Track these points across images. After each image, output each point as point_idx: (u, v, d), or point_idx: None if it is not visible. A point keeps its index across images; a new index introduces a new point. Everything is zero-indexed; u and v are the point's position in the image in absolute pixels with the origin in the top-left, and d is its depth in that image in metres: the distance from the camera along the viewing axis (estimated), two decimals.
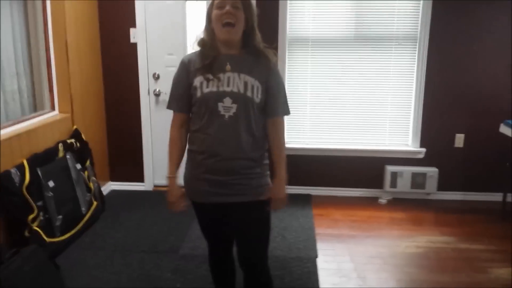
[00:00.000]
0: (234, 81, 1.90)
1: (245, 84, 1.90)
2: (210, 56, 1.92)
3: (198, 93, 1.91)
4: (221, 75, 1.90)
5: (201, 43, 1.99)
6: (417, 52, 4.11)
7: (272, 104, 1.98)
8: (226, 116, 1.89)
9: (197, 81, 1.92)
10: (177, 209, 2.06)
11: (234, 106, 1.89)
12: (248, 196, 1.97)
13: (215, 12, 1.89)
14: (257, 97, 1.92)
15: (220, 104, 1.88)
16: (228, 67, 1.91)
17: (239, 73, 1.91)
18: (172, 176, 2.03)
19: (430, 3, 3.98)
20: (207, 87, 1.89)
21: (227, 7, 1.86)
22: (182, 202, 2.06)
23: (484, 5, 3.96)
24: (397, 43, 4.13)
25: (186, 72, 1.97)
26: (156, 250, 3.28)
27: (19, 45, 3.47)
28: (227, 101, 1.89)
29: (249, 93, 1.90)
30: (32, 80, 3.64)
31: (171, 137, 2.04)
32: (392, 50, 4.15)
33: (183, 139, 2.04)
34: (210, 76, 1.89)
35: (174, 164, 2.03)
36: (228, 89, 1.89)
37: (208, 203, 2.01)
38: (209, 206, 2.02)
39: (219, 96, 1.88)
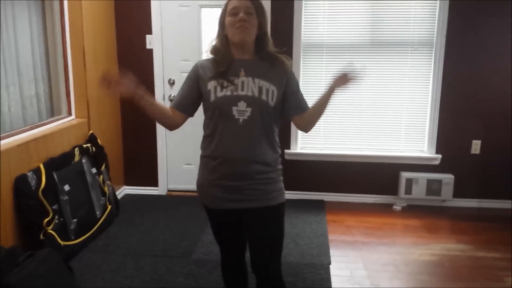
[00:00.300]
0: (248, 85, 1.91)
1: (260, 88, 1.92)
2: (225, 63, 1.93)
3: (212, 98, 1.91)
4: (235, 80, 1.91)
5: (214, 50, 2.00)
6: (433, 57, 4.08)
7: (297, 103, 2.03)
8: (241, 120, 1.89)
9: (211, 85, 1.92)
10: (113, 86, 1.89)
11: (249, 109, 1.89)
12: (263, 201, 1.97)
13: (228, 18, 1.91)
14: (272, 101, 1.93)
15: (234, 108, 1.89)
16: (242, 72, 1.92)
17: (254, 78, 1.92)
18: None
19: (446, 8, 3.95)
20: (221, 91, 1.90)
21: (241, 14, 1.88)
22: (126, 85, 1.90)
23: (501, 11, 3.91)
24: (413, 49, 4.11)
25: (196, 75, 1.99)
26: (169, 254, 3.29)
27: (37, 51, 3.54)
28: (242, 105, 1.89)
29: (264, 97, 1.91)
30: (49, 86, 3.71)
31: None
32: (408, 56, 4.13)
33: (170, 116, 2.01)
34: (225, 83, 1.91)
35: (153, 102, 1.96)
36: (242, 93, 1.90)
37: (223, 209, 2.00)
38: (223, 212, 2.02)
39: (233, 100, 1.89)
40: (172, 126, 2.05)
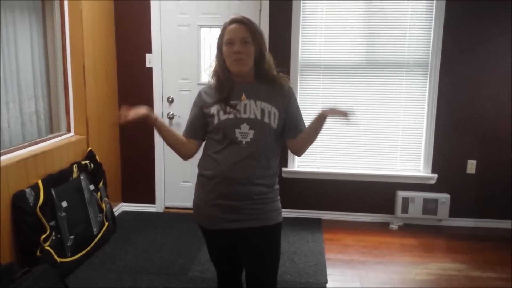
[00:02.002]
0: (251, 108, 1.95)
1: (262, 110, 1.95)
2: (225, 89, 1.96)
3: (215, 120, 1.95)
4: (238, 105, 1.94)
5: (215, 75, 2.02)
6: (428, 78, 4.14)
7: (297, 125, 2.06)
8: (244, 142, 1.92)
9: (214, 109, 1.96)
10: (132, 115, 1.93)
11: (251, 132, 1.92)
12: (261, 221, 1.97)
13: (225, 48, 1.94)
14: (274, 123, 1.96)
15: (237, 131, 1.92)
16: (243, 96, 1.96)
17: (256, 100, 1.96)
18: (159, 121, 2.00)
19: (441, 29, 4.02)
20: (224, 114, 1.94)
21: (236, 47, 1.91)
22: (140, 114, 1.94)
23: (495, 32, 3.99)
24: (408, 70, 4.17)
25: (200, 101, 2.04)
26: (165, 272, 3.29)
27: (38, 68, 3.59)
28: (244, 127, 1.92)
29: (266, 119, 1.94)
30: (49, 103, 3.74)
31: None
32: (403, 76, 4.19)
33: (185, 142, 2.06)
34: (228, 109, 1.94)
35: (169, 128, 2.04)
36: (245, 116, 1.93)
37: (219, 229, 1.99)
38: (220, 233, 2.01)
39: (236, 122, 1.92)
40: (187, 154, 2.08)
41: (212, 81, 2.05)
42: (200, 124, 2.04)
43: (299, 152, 2.11)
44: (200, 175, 2.04)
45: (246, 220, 1.96)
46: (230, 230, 1.98)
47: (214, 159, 1.96)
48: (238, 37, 1.91)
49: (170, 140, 2.03)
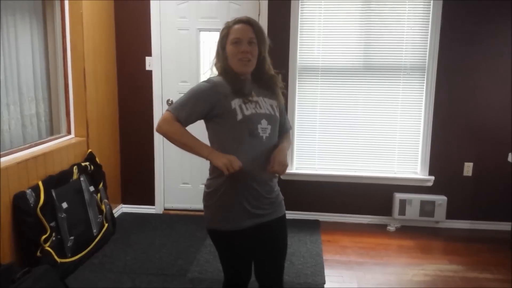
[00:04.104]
0: (263, 104, 2.00)
1: (271, 106, 2.03)
2: (239, 79, 1.97)
3: (239, 116, 1.91)
4: (253, 98, 1.99)
5: (222, 70, 2.01)
6: (425, 81, 4.18)
7: (283, 123, 2.14)
8: (264, 138, 1.96)
9: (235, 103, 1.92)
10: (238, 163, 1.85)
11: (269, 127, 1.98)
12: (280, 212, 2.10)
13: (230, 47, 1.95)
14: (277, 114, 2.05)
15: (259, 126, 1.95)
16: (253, 93, 2.00)
17: (263, 97, 2.02)
18: (212, 150, 1.91)
19: (438, 33, 4.07)
20: (247, 109, 1.94)
21: (244, 46, 1.93)
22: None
23: (492, 36, 4.04)
24: (405, 73, 4.21)
25: (215, 94, 1.93)
26: (164, 273, 3.31)
27: (39, 71, 3.62)
28: (264, 123, 1.97)
29: (277, 114, 2.04)
30: (50, 105, 3.77)
31: (177, 127, 1.91)
32: (400, 80, 4.23)
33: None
34: (251, 98, 1.96)
35: (202, 143, 1.92)
36: (262, 111, 1.98)
37: (249, 227, 1.98)
38: (247, 231, 1.99)
39: (259, 117, 1.96)
40: None
41: (215, 76, 2.04)
42: (197, 118, 1.96)
43: None
44: (218, 177, 1.95)
45: (272, 213, 2.05)
46: (251, 228, 1.99)
47: (240, 157, 1.87)
48: (245, 37, 1.93)
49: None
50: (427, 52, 4.14)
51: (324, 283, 3.21)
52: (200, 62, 4.35)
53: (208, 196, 2.02)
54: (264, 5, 4.16)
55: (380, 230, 4.27)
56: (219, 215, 1.99)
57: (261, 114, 1.96)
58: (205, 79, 2.03)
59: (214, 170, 1.97)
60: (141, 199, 4.56)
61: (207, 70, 2.13)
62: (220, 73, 2.02)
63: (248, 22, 1.97)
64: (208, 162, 1.97)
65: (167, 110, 1.95)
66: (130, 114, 4.45)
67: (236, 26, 1.96)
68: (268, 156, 1.95)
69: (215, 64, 2.05)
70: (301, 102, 4.32)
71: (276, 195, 2.09)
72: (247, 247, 2.05)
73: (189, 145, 1.91)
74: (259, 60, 2.01)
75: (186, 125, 1.95)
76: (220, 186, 1.96)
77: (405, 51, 4.18)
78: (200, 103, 1.93)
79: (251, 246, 2.05)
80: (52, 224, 3.09)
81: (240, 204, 1.96)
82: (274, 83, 2.07)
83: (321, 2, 4.17)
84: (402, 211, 4.27)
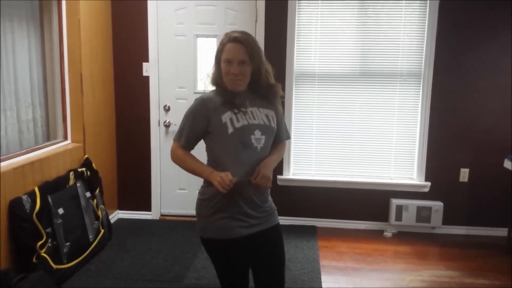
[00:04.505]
0: (257, 115, 2.00)
1: (267, 116, 2.03)
2: (229, 92, 1.99)
3: (230, 130, 1.93)
4: (246, 109, 1.98)
5: (215, 81, 2.05)
6: (421, 88, 4.20)
7: (280, 132, 2.13)
8: (258, 148, 1.98)
9: (226, 117, 1.95)
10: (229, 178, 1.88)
11: (263, 137, 1.99)
12: (272, 221, 2.10)
13: (223, 65, 1.97)
14: (275, 126, 2.05)
15: (252, 137, 1.96)
16: (247, 103, 2.00)
17: (258, 107, 2.02)
18: (212, 171, 1.95)
19: (434, 40, 4.09)
20: (238, 121, 1.95)
21: (233, 69, 1.94)
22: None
23: (487, 43, 4.07)
24: (401, 79, 4.23)
25: (206, 110, 1.97)
26: (160, 279, 3.30)
27: (36, 76, 3.62)
28: (258, 133, 1.97)
29: (272, 124, 2.03)
30: (46, 111, 3.77)
31: (179, 154, 2.02)
32: (396, 86, 4.25)
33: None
34: (242, 109, 1.96)
35: (203, 163, 2.01)
36: (256, 122, 1.98)
37: (240, 237, 1.98)
38: (242, 240, 1.99)
39: (251, 128, 1.96)
40: None
41: (209, 89, 2.09)
42: (198, 137, 2.03)
43: None
44: (212, 185, 1.93)
45: (264, 222, 2.05)
46: (246, 237, 2.00)
47: (233, 169, 1.92)
48: (235, 58, 1.93)
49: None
50: (423, 58, 4.16)
51: None
52: (197, 68, 4.35)
53: (202, 204, 2.03)
54: (261, 12, 4.18)
55: (376, 235, 4.27)
56: (213, 224, 1.99)
57: (254, 125, 1.97)
58: (197, 97, 2.05)
59: None
60: (138, 205, 4.55)
61: (204, 76, 2.12)
62: (213, 84, 2.07)
63: (240, 42, 1.95)
64: None
65: (173, 139, 2.07)
66: (127, 120, 4.45)
67: (229, 46, 1.95)
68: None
69: (212, 74, 2.06)
70: (298, 108, 4.33)
71: (270, 204, 2.10)
72: (242, 256, 2.05)
73: (192, 169, 2.02)
74: (254, 74, 2.01)
75: (191, 148, 2.05)
76: (216, 194, 1.95)
77: (401, 57, 4.20)
78: (196, 122, 1.99)
79: (246, 255, 2.06)
80: (48, 230, 3.08)
81: (235, 213, 1.97)
82: (273, 93, 2.07)
83: (318, 8, 4.19)
84: (398, 217, 4.27)
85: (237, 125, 1.94)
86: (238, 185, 1.91)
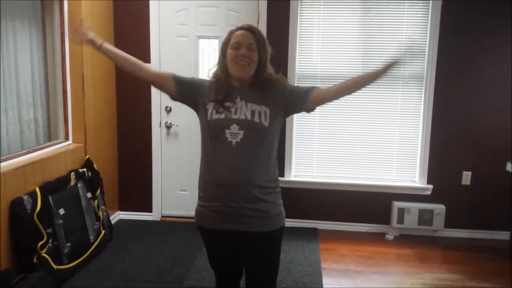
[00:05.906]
0: (241, 110, 1.97)
1: (252, 112, 1.97)
2: (223, 92, 1.99)
3: (208, 117, 1.99)
4: (231, 107, 1.97)
5: (215, 77, 2.07)
6: (423, 90, 4.19)
7: (306, 91, 2.03)
8: (233, 143, 1.94)
9: (210, 105, 2.00)
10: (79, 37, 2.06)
11: (241, 132, 1.94)
12: (263, 227, 1.99)
13: (230, 51, 1.98)
14: (266, 121, 1.96)
15: (227, 131, 1.95)
16: (238, 99, 1.98)
17: (247, 102, 1.98)
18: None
19: (436, 43, 4.08)
20: (216, 114, 1.97)
21: (243, 50, 1.95)
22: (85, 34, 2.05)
23: (489, 46, 4.06)
24: (404, 82, 4.22)
25: (204, 90, 2.05)
26: (161, 280, 3.29)
27: (37, 76, 3.61)
28: (234, 128, 1.95)
29: (256, 119, 1.95)
30: (48, 111, 3.77)
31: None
32: (399, 88, 4.24)
33: (137, 65, 2.11)
34: (221, 109, 1.97)
35: (117, 52, 2.12)
36: (235, 117, 1.96)
37: (220, 229, 2.01)
38: (219, 233, 2.02)
39: (226, 123, 1.95)
40: (139, 72, 2.12)
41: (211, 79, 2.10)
42: (188, 90, 2.07)
43: (326, 99, 2.10)
44: (200, 178, 2.08)
45: (247, 223, 1.97)
46: (231, 232, 1.99)
47: (208, 160, 2.00)
48: (245, 42, 1.96)
49: (118, 61, 2.13)
50: (426, 61, 4.15)
51: None
52: (199, 69, 4.34)
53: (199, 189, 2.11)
54: (263, 13, 4.17)
55: (378, 238, 4.26)
56: (198, 212, 2.09)
57: (232, 120, 1.95)
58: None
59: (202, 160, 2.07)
60: (139, 206, 4.54)
61: (207, 72, 2.13)
62: (212, 79, 2.08)
63: (249, 29, 2.00)
64: None
65: None
66: (128, 121, 4.44)
67: (238, 32, 2.00)
68: (239, 161, 1.94)
69: (214, 71, 2.08)
70: None
71: (265, 207, 1.99)
72: (219, 249, 2.11)
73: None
74: (260, 67, 2.01)
75: (175, 78, 2.08)
76: (203, 182, 2.06)
77: (404, 60, 4.19)
78: (195, 83, 2.10)
79: (225, 250, 2.10)
80: (49, 230, 3.07)
81: (211, 207, 2.01)
82: (270, 84, 2.03)
83: (320, 10, 4.19)
84: (400, 220, 4.26)
85: (214, 116, 1.97)
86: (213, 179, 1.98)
